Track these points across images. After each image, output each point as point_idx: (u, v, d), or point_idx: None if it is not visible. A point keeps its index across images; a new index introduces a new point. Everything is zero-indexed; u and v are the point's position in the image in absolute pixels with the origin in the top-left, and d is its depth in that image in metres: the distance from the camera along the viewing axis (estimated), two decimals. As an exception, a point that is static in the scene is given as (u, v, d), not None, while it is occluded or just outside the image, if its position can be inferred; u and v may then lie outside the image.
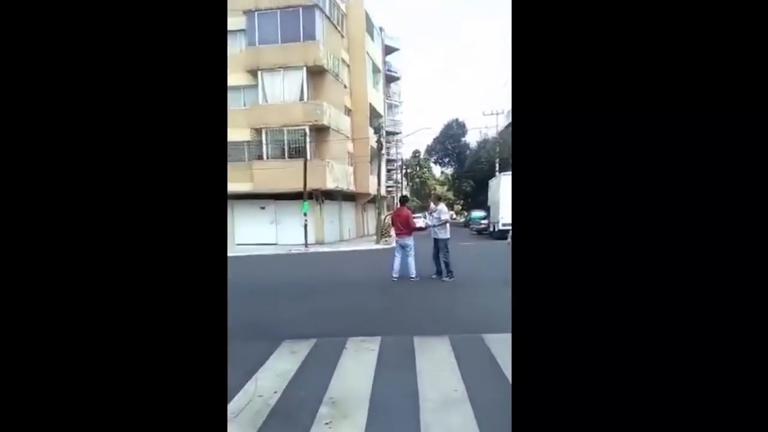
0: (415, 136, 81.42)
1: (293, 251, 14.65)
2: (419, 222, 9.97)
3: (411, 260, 7.03)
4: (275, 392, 2.75)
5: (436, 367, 3.10)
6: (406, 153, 42.77)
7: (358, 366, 3.17)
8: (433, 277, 7.02)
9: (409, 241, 7.07)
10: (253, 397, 2.67)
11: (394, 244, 7.76)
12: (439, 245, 7.02)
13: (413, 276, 6.90)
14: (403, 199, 7.98)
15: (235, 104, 17.52)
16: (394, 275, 7.03)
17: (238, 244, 17.07)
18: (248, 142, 17.24)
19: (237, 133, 17.05)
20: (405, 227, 7.12)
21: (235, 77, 16.87)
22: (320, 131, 17.22)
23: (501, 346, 3.34)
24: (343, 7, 20.44)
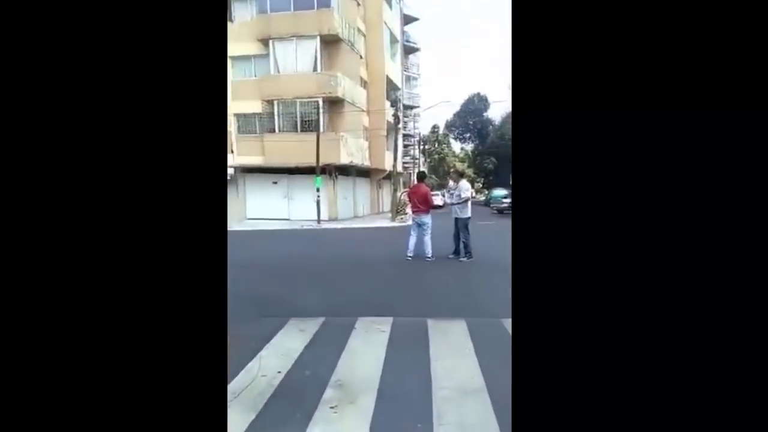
0: (435, 110, 79.85)
1: (305, 227, 14.54)
2: (437, 200, 9.64)
3: (427, 239, 6.74)
4: (279, 372, 2.60)
5: (452, 351, 2.90)
6: (424, 128, 41.89)
7: (367, 347, 3.00)
8: (450, 257, 6.73)
9: (427, 219, 6.77)
10: (256, 377, 2.53)
11: (410, 222, 7.45)
12: (459, 224, 6.71)
13: (429, 256, 6.63)
14: (421, 175, 7.60)
15: (246, 74, 17.17)
16: (409, 254, 6.79)
17: (249, 218, 17.10)
18: (259, 114, 16.92)
19: (248, 104, 16.77)
20: (423, 204, 6.80)
21: (245, 46, 16.48)
22: (334, 104, 16.78)
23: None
24: (359, -28, 19.57)
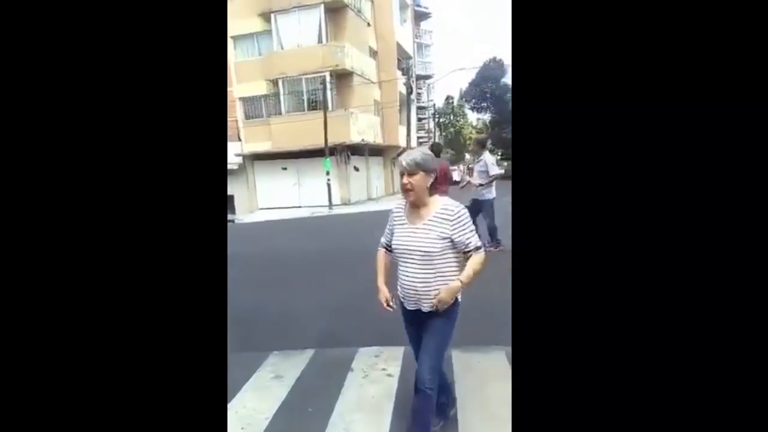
0: (449, 79, 75.96)
1: (315, 213, 13.71)
2: (455, 175, 8.32)
3: None
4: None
5: (491, 413, 1.96)
6: (438, 99, 40.10)
7: (367, 406, 2.10)
8: None
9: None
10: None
11: None
12: (482, 207, 5.43)
13: None
14: (437, 148, 6.06)
15: (249, 54, 16.13)
16: None
17: (261, 209, 16.41)
18: (265, 96, 15.94)
19: (252, 86, 15.82)
20: (441, 183, 5.56)
21: (247, 23, 15.37)
22: (342, 77, 15.59)
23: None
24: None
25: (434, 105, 34.32)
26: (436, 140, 29.51)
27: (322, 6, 14.71)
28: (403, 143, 18.93)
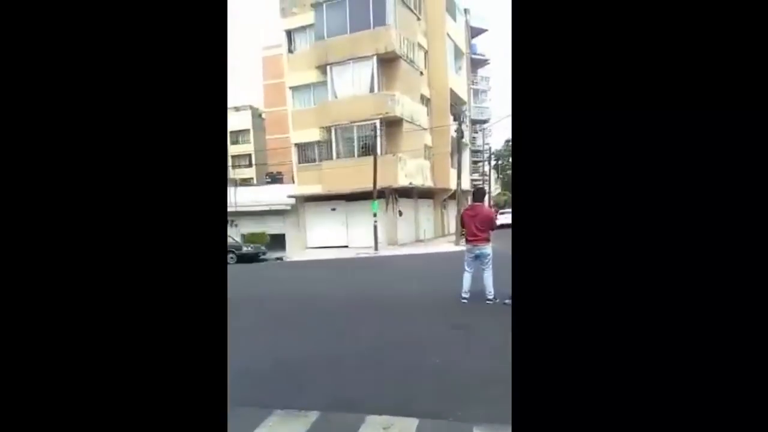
0: (507, 123, 75.62)
1: (361, 254, 13.66)
2: (506, 218, 7.69)
3: (488, 274, 5.07)
4: None
5: None
6: (497, 143, 39.63)
7: None
8: (507, 301, 4.88)
9: (488, 249, 5.09)
10: None
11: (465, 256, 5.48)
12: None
13: (491, 297, 4.98)
14: (479, 194, 5.67)
15: (305, 104, 17.21)
16: (464, 296, 5.19)
17: (309, 248, 16.77)
18: (318, 142, 16.72)
19: (307, 133, 16.72)
20: (482, 231, 5.10)
21: (304, 75, 16.55)
22: (392, 124, 15.96)
23: None
24: (420, -13, 18.88)
25: (490, 149, 33.89)
26: (494, 182, 28.75)
27: (375, 57, 15.43)
28: (454, 186, 18.67)
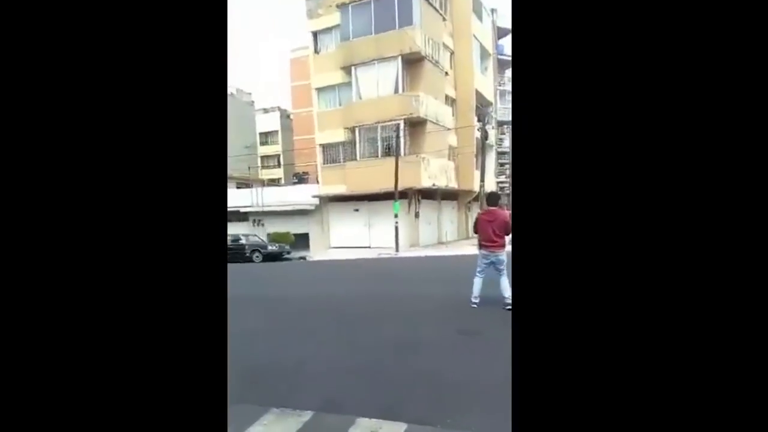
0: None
1: (382, 255, 13.71)
2: None
3: (505, 279, 5.00)
4: None
5: None
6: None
7: None
8: None
9: (503, 255, 5.03)
10: None
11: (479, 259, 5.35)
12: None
13: (509, 301, 4.88)
14: (493, 198, 5.57)
15: (330, 105, 17.42)
16: (474, 300, 5.16)
17: (332, 248, 16.95)
18: (342, 142, 16.89)
19: (332, 134, 16.92)
20: (500, 236, 5.02)
21: (329, 76, 16.76)
22: (416, 125, 15.92)
23: None
24: (446, -12, 18.75)
25: (518, 149, 33.08)
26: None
27: (400, 58, 15.43)
28: (477, 188, 18.40)
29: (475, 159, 19.18)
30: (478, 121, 17.91)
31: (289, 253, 15.66)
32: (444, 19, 17.94)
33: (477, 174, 18.52)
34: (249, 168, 24.51)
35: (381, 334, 4.37)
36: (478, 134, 18.24)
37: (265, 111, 33.68)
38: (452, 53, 19.13)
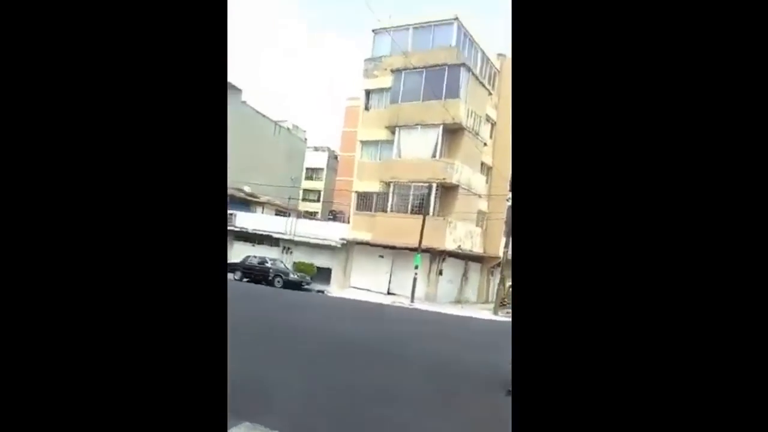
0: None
1: (396, 303, 14.27)
2: None
3: None
4: None
5: None
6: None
7: None
8: None
9: None
10: None
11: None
12: None
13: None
14: None
15: (372, 158, 18.75)
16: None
17: (351, 287, 17.64)
18: (377, 193, 18.03)
19: (369, 184, 18.09)
20: None
21: (375, 132, 18.18)
22: (449, 188, 16.79)
23: None
24: (497, 64, 20.10)
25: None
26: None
27: (442, 127, 16.60)
28: (501, 254, 18.65)
29: (504, 225, 19.58)
30: (509, 190, 18.48)
31: (309, 283, 16.31)
32: (490, 94, 19.15)
33: (504, 240, 18.85)
34: (289, 198, 26.13)
35: (362, 381, 4.39)
36: (509, 203, 18.76)
37: (316, 149, 36.12)
38: (494, 124, 20.15)
